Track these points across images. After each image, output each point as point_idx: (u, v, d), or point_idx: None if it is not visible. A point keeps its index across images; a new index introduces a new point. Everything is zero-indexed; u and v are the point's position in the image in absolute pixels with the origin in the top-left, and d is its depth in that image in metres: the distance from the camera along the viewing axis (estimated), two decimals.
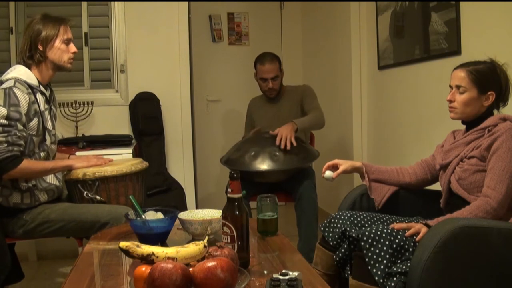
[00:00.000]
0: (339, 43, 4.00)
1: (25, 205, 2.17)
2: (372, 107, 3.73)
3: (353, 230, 1.83)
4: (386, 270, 1.62)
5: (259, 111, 3.30)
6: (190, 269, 1.19)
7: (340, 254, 1.88)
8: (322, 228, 2.00)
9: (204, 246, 1.38)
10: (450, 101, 1.89)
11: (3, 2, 3.46)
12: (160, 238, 1.68)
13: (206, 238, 1.41)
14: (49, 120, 2.24)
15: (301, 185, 2.86)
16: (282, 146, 2.77)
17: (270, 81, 3.12)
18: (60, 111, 3.41)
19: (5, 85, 2.09)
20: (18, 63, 2.22)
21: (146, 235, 1.67)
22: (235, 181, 1.45)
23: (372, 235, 1.66)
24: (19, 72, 2.15)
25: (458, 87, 1.86)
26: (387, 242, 1.65)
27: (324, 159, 2.17)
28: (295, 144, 2.79)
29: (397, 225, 1.74)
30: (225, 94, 4.78)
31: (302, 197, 2.84)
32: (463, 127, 1.96)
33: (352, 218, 1.94)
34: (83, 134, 3.46)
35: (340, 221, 1.94)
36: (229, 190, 1.45)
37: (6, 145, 2.02)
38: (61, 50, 2.22)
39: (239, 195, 1.45)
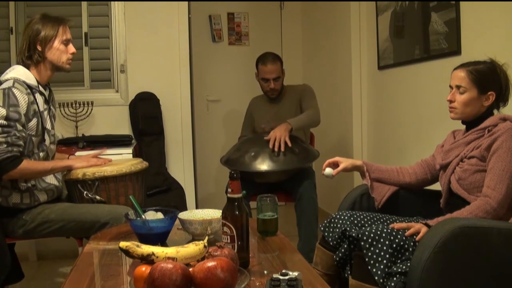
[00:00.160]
0: (339, 43, 4.00)
1: (24, 205, 2.17)
2: (372, 107, 3.73)
3: (353, 230, 1.83)
4: (386, 270, 1.62)
5: (260, 111, 3.30)
6: (190, 269, 1.19)
7: (340, 254, 1.88)
8: (322, 228, 1.99)
9: (204, 246, 1.38)
10: (450, 101, 1.89)
11: (3, 2, 3.46)
12: (160, 238, 1.68)
13: (206, 238, 1.41)
14: (48, 120, 2.24)
15: (301, 185, 2.86)
16: (276, 149, 2.77)
17: (272, 81, 3.12)
18: (60, 111, 3.41)
19: (4, 86, 2.08)
20: (17, 63, 2.22)
21: (146, 235, 1.67)
22: (235, 181, 1.45)
23: (372, 235, 1.66)
24: (18, 72, 2.15)
25: (458, 87, 1.86)
26: (387, 242, 1.65)
27: (324, 159, 2.16)
28: (289, 144, 2.78)
29: (397, 225, 1.74)
30: (225, 94, 4.78)
31: (302, 197, 2.84)
32: (463, 127, 1.96)
33: (352, 218, 1.94)
34: (83, 134, 3.46)
35: (340, 221, 1.94)
36: (229, 190, 1.45)
37: (5, 145, 2.02)
38: (59, 50, 2.21)
39: (239, 195, 1.45)
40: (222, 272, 1.15)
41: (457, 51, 2.57)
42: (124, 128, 3.61)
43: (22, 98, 2.07)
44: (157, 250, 1.34)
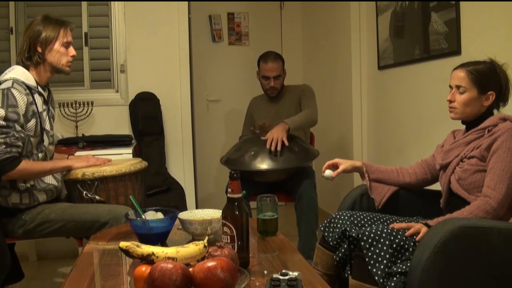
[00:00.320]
0: (339, 43, 4.00)
1: (24, 205, 2.17)
2: (372, 107, 3.73)
3: (353, 230, 1.83)
4: (386, 270, 1.62)
5: (259, 111, 3.31)
6: (190, 269, 1.19)
7: (340, 254, 1.88)
8: (322, 228, 1.99)
9: (204, 246, 1.38)
10: (450, 101, 1.89)
11: (3, 2, 3.46)
12: (160, 238, 1.68)
13: (206, 238, 1.41)
14: (47, 121, 2.24)
15: (301, 185, 2.86)
16: (273, 148, 2.77)
17: (272, 79, 3.12)
18: (60, 111, 3.41)
19: (3, 86, 2.08)
20: (17, 63, 2.21)
21: (146, 235, 1.67)
22: (235, 181, 1.45)
23: (372, 235, 1.66)
24: (17, 72, 2.15)
25: (458, 87, 1.86)
26: (387, 242, 1.65)
27: (324, 159, 2.16)
28: (286, 143, 2.78)
29: (397, 225, 1.74)
30: (225, 94, 4.78)
31: (302, 197, 2.84)
32: (463, 127, 1.96)
33: (352, 218, 1.94)
34: (83, 134, 3.46)
35: (340, 221, 1.94)
36: (229, 190, 1.45)
37: (4, 146, 2.02)
38: (60, 53, 2.21)
39: (239, 195, 1.45)
40: (222, 272, 1.15)
41: (457, 51, 2.57)
42: (124, 128, 3.61)
43: (21, 98, 2.07)
44: (157, 250, 1.34)
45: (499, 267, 1.59)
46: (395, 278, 1.60)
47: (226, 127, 4.78)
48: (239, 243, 1.42)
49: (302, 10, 4.91)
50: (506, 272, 1.59)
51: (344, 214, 1.97)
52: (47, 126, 2.23)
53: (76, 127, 3.49)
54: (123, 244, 1.37)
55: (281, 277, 1.24)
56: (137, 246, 1.35)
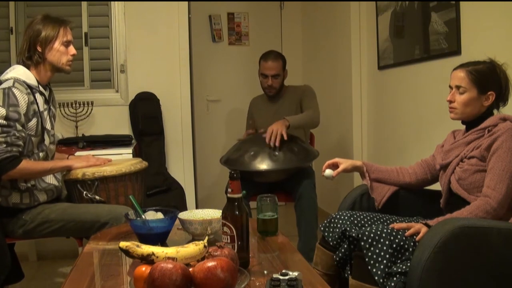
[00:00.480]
0: (339, 43, 4.00)
1: (24, 205, 2.17)
2: (372, 107, 3.73)
3: (353, 230, 1.83)
4: (386, 270, 1.62)
5: (260, 110, 3.31)
6: (190, 269, 1.19)
7: (340, 254, 1.88)
8: (322, 228, 1.99)
9: (204, 246, 1.38)
10: (450, 102, 1.89)
11: (3, 2, 3.46)
12: (160, 238, 1.68)
13: (206, 238, 1.41)
14: (48, 120, 2.24)
15: (301, 185, 2.86)
16: (271, 143, 2.76)
17: (270, 78, 3.13)
18: (60, 111, 3.41)
19: (4, 85, 2.08)
20: (17, 63, 2.21)
21: (146, 235, 1.67)
22: (235, 181, 1.45)
23: (372, 235, 1.66)
24: (18, 72, 2.15)
25: (458, 87, 1.86)
26: (387, 242, 1.65)
27: (324, 159, 2.16)
28: (285, 137, 2.78)
29: (397, 225, 1.74)
30: (225, 94, 4.78)
31: (302, 197, 2.84)
32: (463, 127, 1.96)
33: (352, 218, 1.94)
34: (83, 134, 3.47)
35: (340, 221, 1.94)
36: (229, 190, 1.45)
37: (5, 145, 2.02)
38: (60, 52, 2.21)
39: (239, 195, 1.45)
40: (222, 272, 1.15)
41: (457, 51, 2.57)
42: (124, 128, 3.61)
43: (22, 98, 2.07)
44: (157, 250, 1.34)
45: (499, 267, 1.59)
46: (395, 278, 1.60)
47: (226, 127, 4.78)
48: (239, 243, 1.42)
49: (302, 10, 4.91)
50: (506, 272, 1.59)
51: (344, 214, 1.97)
52: (48, 126, 2.23)
53: (76, 127, 3.49)
54: (123, 244, 1.37)
55: (281, 277, 1.24)
56: (137, 246, 1.35)
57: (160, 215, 1.81)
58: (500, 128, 1.78)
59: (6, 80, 2.11)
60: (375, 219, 1.96)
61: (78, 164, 2.30)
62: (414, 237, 1.68)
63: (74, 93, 3.54)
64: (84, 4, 3.57)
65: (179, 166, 3.73)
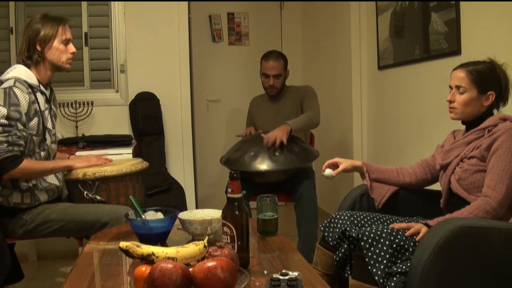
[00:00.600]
0: (339, 43, 4.00)
1: (25, 205, 2.17)
2: (372, 107, 3.73)
3: (353, 230, 1.83)
4: (386, 270, 1.62)
5: (260, 110, 3.31)
6: (190, 269, 1.19)
7: (340, 254, 1.88)
8: (322, 228, 2.00)
9: (204, 246, 1.38)
10: (450, 102, 1.89)
11: (3, 2, 3.46)
12: (160, 238, 1.68)
13: (206, 238, 1.41)
14: (49, 120, 2.24)
15: (301, 185, 2.86)
16: (269, 145, 2.77)
17: (271, 78, 3.13)
18: (60, 111, 3.41)
19: (5, 85, 2.08)
20: (17, 63, 2.21)
21: (146, 235, 1.67)
22: (235, 181, 1.45)
23: (372, 235, 1.66)
24: (19, 71, 2.15)
25: (458, 87, 1.86)
26: (387, 242, 1.65)
27: (324, 159, 2.16)
28: (285, 142, 2.78)
29: (397, 225, 1.74)
30: (225, 94, 4.78)
31: (302, 197, 2.84)
32: (463, 127, 1.96)
33: (352, 218, 1.94)
34: (83, 134, 3.47)
35: (340, 221, 1.94)
36: (229, 190, 1.45)
37: (6, 145, 2.02)
38: (59, 50, 2.21)
39: (239, 195, 1.45)
40: (222, 272, 1.15)
41: (457, 51, 2.57)
42: (124, 128, 3.61)
43: (23, 97, 2.07)
44: (157, 250, 1.34)
45: (499, 267, 1.59)
46: (395, 278, 1.60)
47: (226, 127, 4.78)
48: (239, 243, 1.42)
49: (302, 10, 4.91)
50: (506, 272, 1.59)
51: (344, 214, 1.97)
52: (49, 125, 2.23)
53: (76, 127, 3.49)
54: (123, 244, 1.37)
55: (281, 277, 1.24)
56: (137, 246, 1.35)
57: (160, 215, 1.81)
58: (500, 128, 1.78)
59: (7, 79, 2.12)
60: (375, 219, 1.96)
61: (79, 164, 2.30)
62: (414, 237, 1.68)
63: (74, 93, 3.54)
64: (84, 4, 3.57)
65: (179, 166, 3.73)
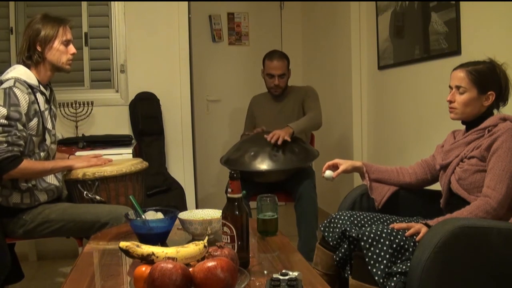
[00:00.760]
0: (339, 43, 4.00)
1: (25, 205, 2.17)
2: (372, 107, 3.73)
3: (353, 230, 1.83)
4: (386, 270, 1.62)
5: (261, 109, 3.30)
6: (190, 269, 1.19)
7: (340, 254, 1.88)
8: (322, 228, 1.99)
9: (204, 246, 1.38)
10: (450, 102, 1.89)
11: (3, 2, 3.46)
12: (160, 238, 1.68)
13: (206, 238, 1.41)
14: (49, 120, 2.24)
15: (301, 185, 2.86)
16: (273, 141, 2.77)
17: (276, 77, 3.13)
18: (60, 111, 3.41)
19: (5, 85, 2.08)
20: (17, 63, 2.21)
21: (146, 235, 1.67)
22: (235, 181, 1.45)
23: (372, 235, 1.66)
24: (18, 72, 2.15)
25: (458, 87, 1.86)
26: (387, 242, 1.65)
27: (324, 159, 2.17)
28: (289, 139, 2.79)
29: (397, 225, 1.74)
30: (225, 94, 4.78)
31: (302, 197, 2.84)
32: (463, 127, 1.96)
33: (352, 218, 1.94)
34: (83, 134, 3.46)
35: (340, 221, 1.94)
36: (229, 190, 1.45)
37: (6, 145, 2.02)
38: (59, 51, 2.21)
39: (239, 195, 1.45)
40: (222, 272, 1.15)
41: (457, 51, 2.57)
42: (124, 128, 3.61)
43: (23, 97, 2.07)
44: (157, 250, 1.34)
45: (499, 267, 1.59)
46: (395, 278, 1.60)
47: (226, 127, 4.78)
48: (239, 243, 1.42)
49: (302, 10, 4.91)
50: (506, 272, 1.59)
51: (344, 214, 1.97)
52: (49, 125, 2.23)
53: (76, 127, 3.49)
54: (123, 244, 1.37)
55: (281, 277, 1.24)
56: (137, 246, 1.35)
57: (160, 215, 1.81)
58: (500, 128, 1.78)
59: (7, 79, 2.12)
60: (375, 219, 1.96)
61: (78, 164, 2.30)
62: (414, 237, 1.68)
63: (74, 93, 3.54)
64: (84, 4, 3.57)
65: (179, 166, 3.73)
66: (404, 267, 1.61)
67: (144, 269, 1.23)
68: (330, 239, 1.95)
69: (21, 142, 2.07)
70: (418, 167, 2.13)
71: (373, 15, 3.55)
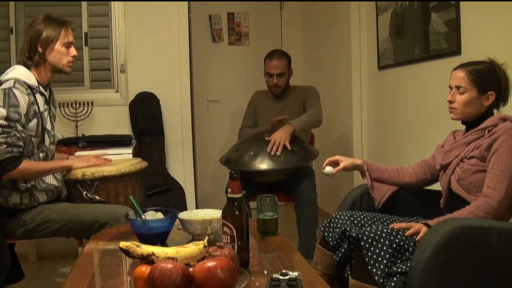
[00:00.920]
0: (339, 43, 4.00)
1: (24, 205, 2.17)
2: (372, 107, 3.73)
3: (353, 230, 1.83)
4: (386, 270, 1.62)
5: (264, 107, 3.29)
6: (190, 269, 1.19)
7: (340, 254, 1.88)
8: (322, 228, 1.99)
9: (204, 246, 1.38)
10: (450, 102, 1.89)
11: (3, 2, 3.46)
12: (160, 238, 1.68)
13: (206, 238, 1.41)
14: (49, 121, 2.24)
15: (301, 184, 2.86)
16: (273, 153, 2.77)
17: (275, 77, 3.13)
18: (60, 111, 3.41)
19: (4, 86, 2.08)
20: (18, 63, 2.21)
21: (146, 235, 1.67)
22: (235, 181, 1.45)
23: (372, 235, 1.66)
24: (18, 72, 2.15)
25: (458, 87, 1.86)
26: (387, 242, 1.65)
27: (324, 159, 2.16)
28: (289, 147, 2.79)
29: (397, 225, 1.74)
30: (225, 94, 4.78)
31: (302, 196, 2.84)
32: (463, 127, 1.96)
33: (352, 218, 1.94)
34: (83, 134, 3.46)
35: (340, 221, 1.94)
36: (229, 190, 1.45)
37: (5, 146, 2.02)
38: (60, 53, 2.21)
39: (239, 195, 1.45)
40: (222, 272, 1.15)
41: (457, 51, 2.57)
42: (124, 128, 3.61)
43: (22, 98, 2.07)
44: (157, 250, 1.34)
45: (499, 267, 1.59)
46: (395, 278, 1.60)
47: (226, 127, 4.78)
48: (239, 243, 1.42)
49: (302, 10, 4.91)
50: (506, 272, 1.59)
51: (344, 214, 1.97)
52: (48, 126, 2.23)
53: (76, 127, 3.49)
54: (123, 244, 1.37)
55: (281, 277, 1.24)
56: (137, 246, 1.35)
57: (160, 215, 1.81)
58: (500, 128, 1.78)
59: (7, 80, 2.11)
60: (375, 219, 1.96)
61: (78, 164, 2.30)
62: (414, 237, 1.68)
63: (74, 93, 3.54)
64: (84, 4, 3.57)
65: (179, 166, 3.73)
66: (404, 267, 1.61)
67: (144, 269, 1.23)
68: (330, 239, 1.95)
69: (21, 143, 2.06)
70: (418, 167, 2.13)
71: (373, 15, 3.55)
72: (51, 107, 2.30)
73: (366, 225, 1.91)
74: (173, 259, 1.27)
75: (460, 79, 1.85)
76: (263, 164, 2.78)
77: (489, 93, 1.83)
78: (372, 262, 1.63)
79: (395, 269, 1.61)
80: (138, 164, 2.39)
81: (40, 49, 2.17)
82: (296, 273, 1.26)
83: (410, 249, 1.66)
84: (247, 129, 3.26)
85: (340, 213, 1.98)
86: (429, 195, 2.14)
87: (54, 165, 2.24)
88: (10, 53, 3.47)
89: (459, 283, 1.56)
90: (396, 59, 3.29)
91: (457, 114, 1.89)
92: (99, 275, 1.50)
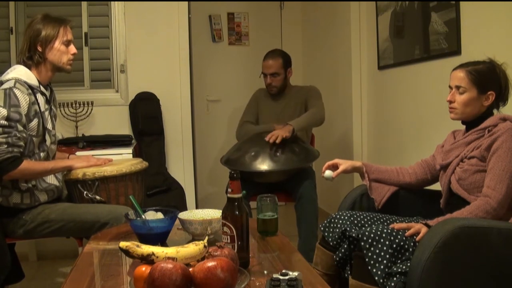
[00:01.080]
0: (339, 43, 4.00)
1: (25, 205, 2.17)
2: (372, 107, 3.73)
3: (353, 230, 1.83)
4: (386, 270, 1.62)
5: (265, 106, 3.28)
6: (190, 269, 1.19)
7: (340, 254, 1.88)
8: (322, 228, 2.00)
9: (204, 246, 1.38)
10: (450, 102, 1.89)
11: (3, 2, 3.46)
12: (160, 238, 1.68)
13: (206, 238, 1.41)
14: (49, 121, 2.24)
15: (301, 185, 2.86)
16: (271, 141, 2.76)
17: (268, 76, 3.12)
18: (60, 111, 3.41)
19: (5, 86, 2.08)
20: (18, 63, 2.21)
21: (146, 235, 1.67)
22: (235, 181, 1.45)
23: (372, 235, 1.66)
24: (19, 72, 2.15)
25: (457, 87, 1.86)
26: (387, 242, 1.65)
27: (324, 159, 2.17)
28: (288, 136, 2.78)
29: (397, 225, 1.74)
30: (225, 94, 4.78)
31: (302, 197, 2.84)
32: (463, 127, 1.96)
33: (352, 218, 1.94)
34: (83, 134, 3.47)
35: (340, 221, 1.94)
36: (229, 190, 1.45)
37: (6, 146, 2.02)
38: (60, 51, 2.21)
39: (239, 195, 1.45)
40: (222, 272, 1.15)
41: (457, 51, 2.57)
42: (124, 128, 3.61)
43: (23, 98, 2.07)
44: (157, 250, 1.34)
45: (499, 267, 1.59)
46: (395, 278, 1.60)
47: (226, 127, 4.78)
48: (239, 243, 1.42)
49: (302, 10, 4.91)
50: (506, 272, 1.59)
51: (344, 214, 1.97)
52: (49, 126, 2.23)
53: (76, 127, 3.49)
54: (123, 244, 1.37)
55: (281, 277, 1.24)
56: (137, 246, 1.35)
57: (160, 215, 1.81)
58: (500, 128, 1.78)
59: (7, 80, 2.11)
60: (375, 219, 1.96)
61: (78, 164, 2.30)
62: (414, 237, 1.68)
63: (74, 93, 3.54)
64: (84, 4, 3.57)
65: (179, 166, 3.73)
66: (404, 267, 1.61)
67: (144, 269, 1.23)
68: (330, 239, 1.95)
69: (21, 143, 2.06)
70: (418, 167, 2.13)
71: (373, 15, 3.55)
72: (52, 107, 2.30)
73: (366, 225, 1.91)
74: (173, 259, 1.27)
75: (460, 79, 1.85)
76: (263, 165, 2.78)
77: (489, 93, 1.83)
78: (372, 262, 1.63)
79: (395, 269, 1.62)
80: (139, 164, 2.39)
81: (39, 48, 2.17)
82: (296, 273, 1.26)
83: (410, 249, 1.66)
84: (248, 125, 3.23)
85: (340, 213, 1.98)
86: (429, 195, 2.14)
87: (55, 165, 2.24)
88: (10, 53, 3.47)
89: (459, 283, 1.56)
90: (396, 59, 3.29)
91: (457, 114, 1.89)
92: (99, 275, 1.50)
